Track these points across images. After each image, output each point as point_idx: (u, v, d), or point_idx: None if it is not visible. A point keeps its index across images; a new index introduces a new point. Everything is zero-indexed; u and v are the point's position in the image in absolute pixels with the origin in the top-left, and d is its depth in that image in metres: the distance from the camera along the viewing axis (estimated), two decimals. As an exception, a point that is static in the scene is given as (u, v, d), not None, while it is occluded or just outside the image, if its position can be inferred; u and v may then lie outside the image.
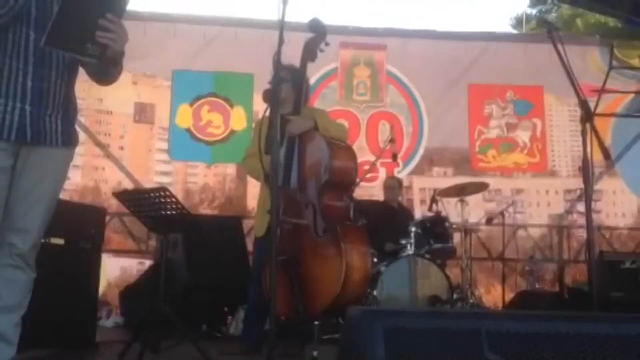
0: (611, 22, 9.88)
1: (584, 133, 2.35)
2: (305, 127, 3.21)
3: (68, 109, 2.26)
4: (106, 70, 2.25)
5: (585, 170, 2.31)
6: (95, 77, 2.32)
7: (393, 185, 5.65)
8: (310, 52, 3.07)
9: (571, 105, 6.77)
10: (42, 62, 2.13)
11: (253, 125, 6.14)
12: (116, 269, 6.22)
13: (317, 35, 3.07)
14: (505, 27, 16.15)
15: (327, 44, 3.08)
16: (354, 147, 6.70)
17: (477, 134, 6.93)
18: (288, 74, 3.45)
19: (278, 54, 2.46)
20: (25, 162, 2.16)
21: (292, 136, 3.19)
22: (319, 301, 2.96)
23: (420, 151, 6.90)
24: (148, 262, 6.04)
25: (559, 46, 2.48)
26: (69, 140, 2.27)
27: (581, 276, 6.52)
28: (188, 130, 6.67)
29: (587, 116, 2.34)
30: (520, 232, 6.74)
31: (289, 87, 3.44)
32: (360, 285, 3.17)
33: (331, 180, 3.17)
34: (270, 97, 2.44)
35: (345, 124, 5.61)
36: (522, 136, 6.97)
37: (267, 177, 3.26)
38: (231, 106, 6.71)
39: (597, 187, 6.89)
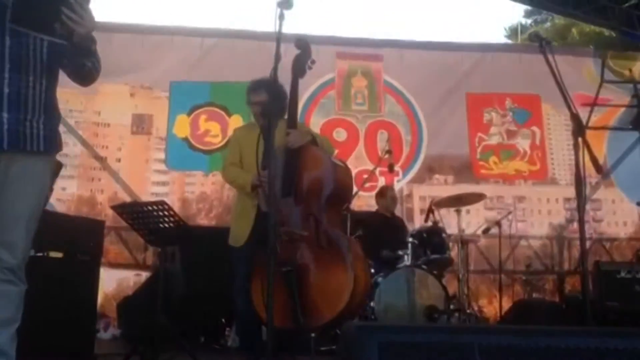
0: (606, 31, 9.95)
1: (576, 147, 2.38)
2: (304, 140, 3.24)
3: (50, 114, 2.21)
4: (81, 62, 2.20)
5: (578, 183, 2.34)
6: (75, 75, 2.27)
7: (394, 195, 5.66)
8: (299, 69, 3.15)
9: (568, 115, 6.80)
10: (19, 68, 2.10)
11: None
12: (113, 281, 6.20)
13: (303, 52, 3.15)
14: (500, 37, 16.28)
15: (313, 62, 3.16)
16: (353, 156, 6.88)
17: (478, 140, 6.97)
18: (266, 92, 3.51)
19: (275, 69, 2.49)
20: (6, 175, 2.11)
21: (290, 149, 3.21)
22: (324, 312, 2.93)
23: (420, 159, 6.93)
24: (145, 274, 6.04)
25: (552, 61, 2.51)
26: (53, 146, 2.22)
27: (581, 286, 6.53)
28: (185, 139, 6.69)
29: (579, 130, 2.37)
30: (522, 242, 6.76)
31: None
32: (363, 296, 3.20)
33: (334, 193, 3.21)
34: (267, 113, 2.47)
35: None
36: (522, 144, 7.01)
37: (254, 187, 3.28)
38: (229, 115, 6.74)
39: (596, 196, 6.93)
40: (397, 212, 5.86)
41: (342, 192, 3.32)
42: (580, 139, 2.37)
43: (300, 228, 3.10)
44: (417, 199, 6.87)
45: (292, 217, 3.14)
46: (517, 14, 20.82)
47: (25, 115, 2.12)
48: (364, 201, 6.32)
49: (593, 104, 3.08)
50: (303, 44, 3.16)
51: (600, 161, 6.28)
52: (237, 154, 3.51)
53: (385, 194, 5.59)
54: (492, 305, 6.41)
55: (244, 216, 3.37)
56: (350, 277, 2.93)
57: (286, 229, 3.05)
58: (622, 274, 4.69)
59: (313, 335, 3.18)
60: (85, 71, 2.25)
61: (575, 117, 2.42)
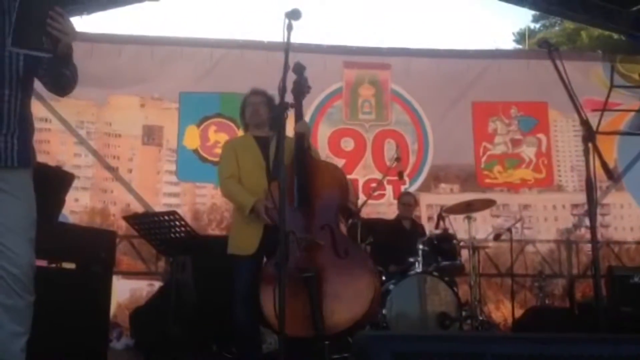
0: (615, 35, 9.93)
1: (586, 152, 2.37)
2: (307, 129, 3.39)
3: (24, 128, 2.20)
4: (61, 72, 2.19)
5: (589, 189, 2.33)
6: (54, 85, 2.26)
7: (409, 202, 5.65)
8: (300, 92, 3.25)
9: (576, 120, 6.64)
10: None
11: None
12: (126, 291, 6.24)
13: (299, 77, 3.23)
14: (508, 42, 16.27)
15: (309, 88, 3.28)
16: (360, 165, 6.90)
17: (483, 150, 6.97)
18: (263, 96, 3.58)
19: (283, 80, 2.51)
20: None
21: (301, 162, 3.24)
22: (345, 318, 2.96)
23: (426, 168, 6.94)
24: (157, 284, 6.07)
25: (560, 67, 2.51)
26: (27, 160, 2.21)
27: (591, 291, 6.48)
28: (195, 151, 6.74)
29: (590, 136, 2.37)
30: (529, 248, 6.74)
31: (266, 108, 3.54)
32: (378, 303, 3.24)
33: (345, 203, 3.30)
34: (275, 123, 2.49)
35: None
36: (527, 152, 7.00)
37: (252, 210, 3.25)
38: (238, 126, 6.77)
39: (604, 201, 6.89)
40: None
41: (349, 202, 3.41)
42: (590, 145, 2.36)
43: (316, 238, 3.12)
44: (424, 207, 6.88)
45: (307, 227, 3.15)
46: (526, 19, 20.82)
47: (0, 130, 2.12)
48: (373, 209, 6.34)
49: (603, 109, 3.07)
50: (298, 69, 3.23)
51: (611, 165, 6.29)
52: (234, 165, 3.48)
53: (400, 200, 5.63)
54: (500, 311, 6.39)
55: (251, 224, 3.31)
56: (372, 284, 3.01)
57: (304, 235, 3.07)
58: (636, 279, 4.65)
59: (327, 342, 3.19)
60: (64, 80, 2.23)
61: (585, 123, 2.42)
